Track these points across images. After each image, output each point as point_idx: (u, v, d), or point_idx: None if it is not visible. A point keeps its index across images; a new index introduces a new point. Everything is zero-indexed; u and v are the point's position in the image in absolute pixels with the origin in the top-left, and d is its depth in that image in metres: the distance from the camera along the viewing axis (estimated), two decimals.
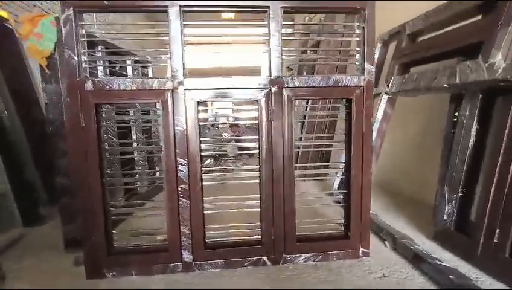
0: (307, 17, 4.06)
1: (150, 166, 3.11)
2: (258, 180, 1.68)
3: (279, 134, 1.60)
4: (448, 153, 1.98)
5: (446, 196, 1.82)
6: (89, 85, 1.48)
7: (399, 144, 3.05)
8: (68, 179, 1.83)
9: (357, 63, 1.67)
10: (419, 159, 2.84)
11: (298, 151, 3.90)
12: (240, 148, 4.47)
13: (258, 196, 1.69)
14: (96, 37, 2.00)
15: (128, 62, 2.57)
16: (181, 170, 1.57)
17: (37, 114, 2.60)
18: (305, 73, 3.82)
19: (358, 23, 1.63)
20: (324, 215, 2.33)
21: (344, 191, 1.75)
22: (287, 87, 1.58)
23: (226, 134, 6.21)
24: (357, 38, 1.66)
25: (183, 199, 1.59)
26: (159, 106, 1.56)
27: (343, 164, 1.77)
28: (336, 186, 2.88)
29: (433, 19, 2.07)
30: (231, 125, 5.95)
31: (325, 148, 3.21)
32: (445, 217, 1.81)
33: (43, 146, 2.46)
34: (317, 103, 3.08)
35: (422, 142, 2.79)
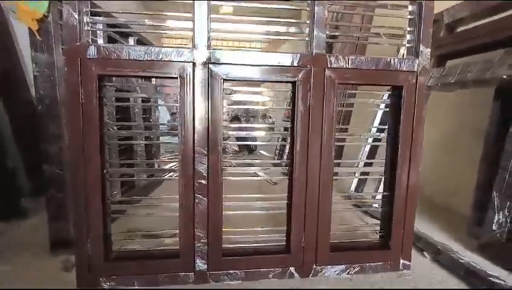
0: None
1: (148, 157, 2.83)
2: (287, 177, 1.44)
3: (318, 124, 1.35)
4: (494, 156, 1.77)
5: (496, 203, 1.60)
6: (91, 51, 1.20)
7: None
8: (58, 167, 1.53)
9: (407, 45, 1.44)
10: (444, 162, 2.63)
11: None
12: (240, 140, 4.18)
13: (285, 195, 1.44)
14: None
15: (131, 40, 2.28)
16: (200, 162, 1.30)
17: (23, 92, 2.27)
18: None
19: None
20: (344, 220, 2.10)
21: (386, 194, 1.51)
22: (331, 68, 1.33)
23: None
24: (410, 16, 1.42)
25: (200, 196, 1.32)
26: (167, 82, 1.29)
27: (385, 163, 1.53)
28: (353, 187, 2.65)
29: (479, 6, 1.85)
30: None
31: (338, 143, 2.97)
32: (494, 227, 1.59)
33: (28, 128, 2.15)
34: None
35: (451, 143, 2.57)
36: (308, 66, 1.31)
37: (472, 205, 1.92)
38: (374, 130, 2.31)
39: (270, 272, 1.41)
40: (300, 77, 1.31)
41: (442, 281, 1.43)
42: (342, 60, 1.34)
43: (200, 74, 1.26)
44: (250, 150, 5.51)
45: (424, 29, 1.37)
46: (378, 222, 2.05)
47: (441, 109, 2.55)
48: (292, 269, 1.42)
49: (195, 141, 1.28)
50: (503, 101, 1.79)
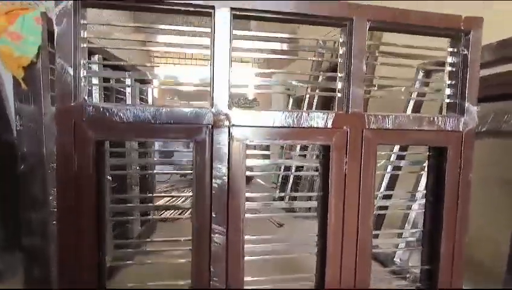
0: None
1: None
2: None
3: (355, 193, 1.16)
4: None
5: None
6: (88, 113, 0.99)
7: None
8: (41, 240, 1.29)
9: (447, 100, 1.29)
10: None
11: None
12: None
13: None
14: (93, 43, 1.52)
15: (128, 81, 2.07)
16: (217, 242, 1.08)
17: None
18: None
19: (453, 49, 1.26)
20: None
21: (427, 268, 1.31)
22: (370, 128, 1.15)
23: None
24: (450, 68, 1.27)
25: (217, 284, 1.09)
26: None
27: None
28: None
29: (506, 51, 1.74)
30: None
31: None
32: None
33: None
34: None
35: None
36: (344, 127, 1.13)
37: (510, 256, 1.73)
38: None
39: None
40: (335, 140, 1.13)
41: None
42: (381, 119, 1.16)
43: (219, 137, 1.06)
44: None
45: (471, 85, 1.22)
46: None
47: None
48: None
49: (212, 218, 1.07)
50: None
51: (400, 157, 1.53)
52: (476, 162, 1.90)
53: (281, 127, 1.10)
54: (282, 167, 3.83)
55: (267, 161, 1.23)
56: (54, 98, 1.31)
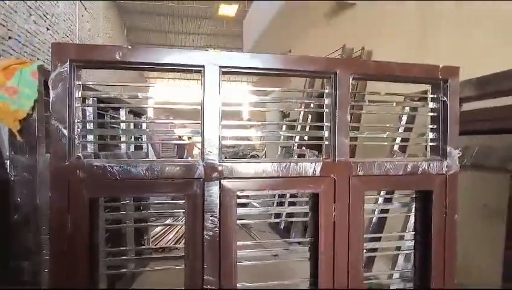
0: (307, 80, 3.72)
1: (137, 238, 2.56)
2: None
3: (344, 238, 1.18)
4: None
5: None
6: (82, 172, 1.02)
7: None
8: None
9: (430, 143, 1.34)
10: None
11: None
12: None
13: None
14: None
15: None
16: None
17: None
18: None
19: (433, 95, 1.32)
20: None
21: None
22: (356, 175, 1.19)
23: None
24: (431, 114, 1.33)
25: None
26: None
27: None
28: None
29: (491, 86, 1.81)
30: None
31: None
32: None
33: None
34: None
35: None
36: (332, 174, 1.17)
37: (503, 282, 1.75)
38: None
39: None
40: (323, 188, 1.16)
41: None
42: (368, 165, 1.20)
43: (210, 190, 1.09)
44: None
45: (452, 129, 1.27)
46: None
47: None
48: None
49: (205, 270, 1.08)
50: None
51: (387, 200, 1.57)
52: (461, 192, 1.92)
53: (270, 177, 1.14)
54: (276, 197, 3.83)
55: (258, 210, 1.26)
56: (49, 145, 1.34)
